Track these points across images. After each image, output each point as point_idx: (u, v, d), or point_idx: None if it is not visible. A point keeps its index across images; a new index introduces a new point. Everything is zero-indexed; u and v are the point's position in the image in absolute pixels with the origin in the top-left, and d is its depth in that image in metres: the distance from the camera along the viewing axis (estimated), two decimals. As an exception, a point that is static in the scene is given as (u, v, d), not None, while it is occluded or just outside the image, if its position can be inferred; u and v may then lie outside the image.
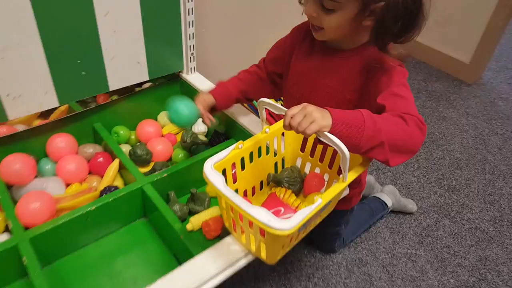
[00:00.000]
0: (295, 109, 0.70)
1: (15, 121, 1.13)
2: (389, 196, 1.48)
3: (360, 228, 1.40)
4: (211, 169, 0.71)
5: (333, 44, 0.90)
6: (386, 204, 1.45)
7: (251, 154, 0.83)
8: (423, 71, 2.52)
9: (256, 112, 1.51)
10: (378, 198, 1.47)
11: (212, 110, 1.04)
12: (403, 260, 1.37)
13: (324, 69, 0.91)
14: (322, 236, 1.30)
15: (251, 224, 0.68)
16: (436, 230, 1.50)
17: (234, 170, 0.82)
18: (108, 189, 1.00)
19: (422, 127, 0.75)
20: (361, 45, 0.87)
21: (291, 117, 0.69)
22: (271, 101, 0.78)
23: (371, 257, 1.36)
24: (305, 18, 0.90)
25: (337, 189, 0.72)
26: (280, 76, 1.06)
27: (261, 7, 1.66)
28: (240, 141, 0.79)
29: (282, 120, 0.86)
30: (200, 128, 1.26)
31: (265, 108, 0.80)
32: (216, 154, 0.75)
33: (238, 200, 0.64)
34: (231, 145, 1.10)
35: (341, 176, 0.73)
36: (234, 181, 0.82)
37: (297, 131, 0.69)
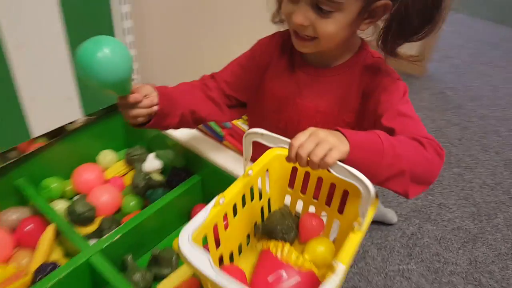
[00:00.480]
0: (302, 137, 0.54)
1: None
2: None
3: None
4: (190, 244, 0.51)
5: (317, 61, 0.76)
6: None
7: (234, 206, 0.64)
8: (373, 69, 2.52)
9: (214, 134, 1.31)
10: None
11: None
12: (398, 279, 1.25)
13: (313, 92, 0.76)
14: None
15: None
16: (421, 237, 1.41)
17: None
18: (44, 269, 0.76)
19: (441, 153, 0.64)
20: (351, 58, 0.74)
21: (300, 147, 0.53)
22: (264, 131, 0.59)
23: (364, 283, 1.23)
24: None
25: (356, 241, 0.55)
26: (238, 101, 0.87)
27: (204, 19, 1.47)
28: (220, 195, 0.60)
29: (264, 154, 0.69)
30: (153, 165, 1.03)
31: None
32: (192, 220, 0.55)
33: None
34: (195, 182, 0.94)
35: (355, 224, 0.56)
36: (218, 246, 0.63)
37: (311, 164, 0.54)
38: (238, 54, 0.87)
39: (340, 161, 0.53)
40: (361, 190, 0.53)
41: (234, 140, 1.24)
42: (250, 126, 0.95)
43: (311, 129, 0.55)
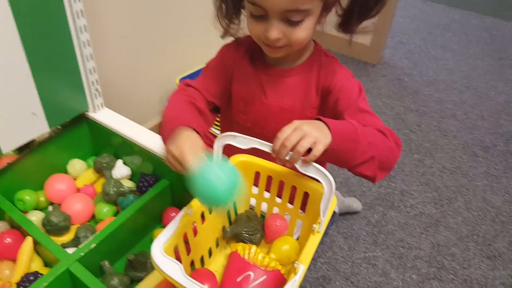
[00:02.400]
0: (287, 130, 0.61)
1: None
2: (335, 201, 1.45)
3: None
4: (163, 255, 0.57)
5: (278, 63, 0.83)
6: (334, 211, 1.41)
7: (202, 214, 0.71)
8: (329, 58, 2.57)
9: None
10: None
11: None
12: (364, 266, 1.35)
13: (277, 91, 0.83)
14: None
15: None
16: (386, 224, 1.50)
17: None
18: (27, 280, 0.81)
19: (398, 142, 0.75)
20: (308, 58, 0.83)
21: (285, 139, 0.61)
22: (237, 134, 0.68)
23: (333, 272, 1.32)
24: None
25: (315, 242, 0.64)
26: (216, 106, 0.93)
27: (164, 22, 1.51)
28: (187, 206, 0.66)
29: (229, 159, 0.76)
30: (122, 172, 1.09)
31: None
32: (162, 232, 0.62)
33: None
34: (164, 187, 1.00)
35: (315, 225, 0.65)
36: (188, 253, 0.70)
37: (294, 157, 0.61)
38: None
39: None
40: (324, 185, 0.62)
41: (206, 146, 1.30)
42: (222, 128, 1.02)
43: (296, 123, 0.62)
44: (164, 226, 0.80)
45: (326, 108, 0.82)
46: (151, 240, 0.72)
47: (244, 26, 0.82)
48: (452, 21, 3.11)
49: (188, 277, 0.55)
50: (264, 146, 0.66)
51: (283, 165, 0.66)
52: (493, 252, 1.44)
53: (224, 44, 0.91)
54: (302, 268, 0.58)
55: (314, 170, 0.63)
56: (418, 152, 1.85)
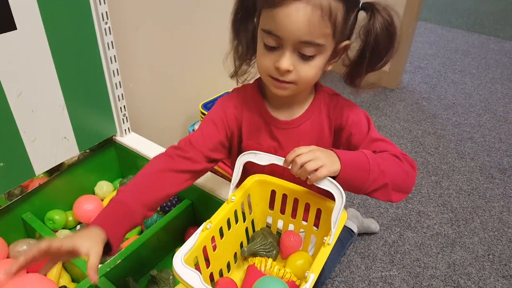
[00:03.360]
0: (303, 149, 0.67)
1: None
2: (353, 221, 1.47)
3: (334, 262, 1.37)
4: (183, 265, 0.62)
5: (282, 114, 0.85)
6: (352, 231, 1.43)
7: (221, 229, 0.76)
8: (348, 85, 2.61)
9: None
10: (344, 225, 1.44)
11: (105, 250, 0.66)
12: (380, 285, 1.36)
13: (291, 141, 0.84)
14: None
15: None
16: (402, 245, 1.51)
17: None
18: (56, 294, 0.86)
19: (414, 165, 0.78)
20: (313, 101, 0.85)
21: (297, 155, 0.67)
22: (257, 151, 0.74)
23: (349, 290, 1.33)
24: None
25: (325, 254, 0.67)
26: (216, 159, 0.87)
27: (188, 53, 1.59)
28: (208, 221, 0.71)
29: (244, 182, 0.81)
30: (146, 193, 1.15)
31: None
32: (184, 245, 0.66)
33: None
34: (186, 206, 1.05)
35: (326, 238, 0.68)
36: (208, 266, 0.74)
37: (301, 173, 0.67)
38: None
39: (330, 177, 0.67)
40: (335, 197, 0.66)
41: (223, 165, 1.36)
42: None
43: (311, 146, 0.68)
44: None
45: (340, 144, 0.84)
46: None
47: (251, 70, 0.85)
48: (471, 46, 3.14)
49: (206, 285, 0.59)
50: (280, 161, 0.71)
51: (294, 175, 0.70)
52: (509, 271, 1.42)
53: (222, 98, 0.89)
54: (312, 277, 0.61)
55: (327, 183, 0.67)
56: (435, 174, 1.86)
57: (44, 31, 0.89)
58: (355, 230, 1.45)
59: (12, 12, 0.82)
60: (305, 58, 0.70)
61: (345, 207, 1.55)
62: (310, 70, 0.72)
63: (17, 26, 0.84)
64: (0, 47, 0.84)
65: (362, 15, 0.73)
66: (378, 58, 0.75)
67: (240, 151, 0.86)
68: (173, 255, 0.63)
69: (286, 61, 0.70)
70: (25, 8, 0.85)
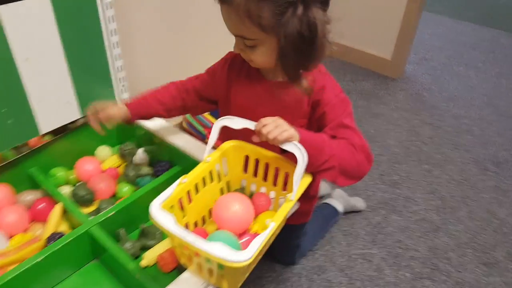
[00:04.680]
0: (267, 119, 0.80)
1: None
2: (338, 200, 1.58)
3: (316, 236, 1.49)
4: (159, 209, 0.75)
5: (269, 76, 0.97)
6: (337, 210, 1.55)
7: (196, 185, 0.89)
8: (349, 72, 2.69)
9: (197, 132, 1.56)
10: (329, 204, 1.56)
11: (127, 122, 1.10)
12: (359, 261, 1.47)
13: (270, 101, 0.97)
14: (283, 251, 1.38)
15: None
16: (386, 226, 1.62)
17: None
18: (54, 237, 1.01)
19: (369, 158, 0.89)
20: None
21: (263, 125, 0.79)
22: (233, 116, 0.86)
23: (329, 263, 1.45)
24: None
25: (286, 208, 0.79)
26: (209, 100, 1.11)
27: (189, 28, 1.71)
28: (184, 176, 0.84)
29: (221, 146, 0.94)
30: (141, 158, 1.29)
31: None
32: (162, 193, 0.79)
33: (192, 239, 0.69)
34: (176, 172, 1.18)
35: (288, 194, 0.80)
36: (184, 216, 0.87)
37: (267, 139, 0.79)
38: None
39: None
40: (297, 158, 0.78)
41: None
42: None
43: (276, 117, 0.81)
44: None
45: (314, 119, 0.95)
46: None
47: None
48: (480, 40, 3.17)
49: (178, 226, 0.72)
50: (252, 125, 0.84)
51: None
52: (490, 259, 1.51)
53: (213, 65, 1.08)
54: (272, 225, 0.73)
55: (291, 146, 0.79)
56: (427, 163, 1.94)
57: (50, 2, 1.03)
58: (340, 209, 1.56)
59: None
60: (249, 46, 0.84)
61: (333, 188, 1.67)
62: (257, 56, 0.86)
63: (25, -4, 0.98)
64: (9, 15, 0.98)
65: None
66: (291, 58, 0.81)
67: (227, 111, 1.01)
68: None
69: (235, 47, 0.88)
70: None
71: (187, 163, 1.15)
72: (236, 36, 0.85)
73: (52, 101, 1.15)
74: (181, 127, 1.73)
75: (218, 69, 1.05)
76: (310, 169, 0.84)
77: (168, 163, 1.24)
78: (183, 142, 1.20)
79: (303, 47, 0.79)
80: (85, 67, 1.19)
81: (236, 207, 0.88)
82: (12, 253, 0.98)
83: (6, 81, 1.03)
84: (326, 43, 0.80)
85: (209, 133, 1.52)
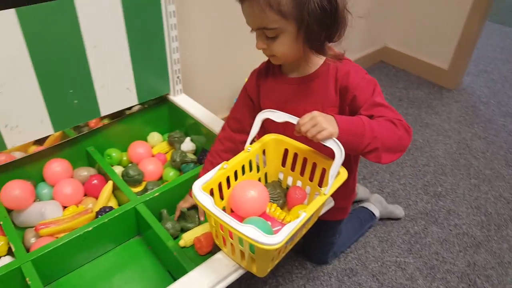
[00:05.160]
0: (305, 118, 0.85)
1: (12, 149, 1.24)
2: (376, 205, 1.60)
3: (350, 238, 1.51)
4: (200, 190, 0.82)
5: (293, 74, 1.02)
6: (373, 214, 1.57)
7: (235, 172, 0.95)
8: (403, 79, 2.66)
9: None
10: (366, 208, 1.58)
11: None
12: (393, 268, 1.48)
13: (298, 97, 1.02)
14: (316, 247, 1.41)
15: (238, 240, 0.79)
16: (424, 237, 1.60)
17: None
18: (104, 210, 1.11)
19: (409, 130, 0.93)
20: (321, 66, 0.99)
21: (302, 125, 0.84)
22: (275, 111, 0.92)
23: (361, 267, 1.47)
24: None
25: (320, 201, 0.83)
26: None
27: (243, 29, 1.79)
28: (225, 162, 0.91)
29: (262, 138, 1.00)
30: (188, 146, 1.38)
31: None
32: (203, 176, 0.87)
33: (227, 219, 0.75)
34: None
35: (322, 188, 0.85)
36: (222, 199, 0.94)
37: (307, 136, 0.84)
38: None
39: None
40: (335, 153, 0.82)
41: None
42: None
43: (313, 113, 0.85)
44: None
45: (345, 105, 0.99)
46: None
47: None
48: (548, 56, 3.03)
49: (216, 207, 0.78)
50: (294, 120, 0.89)
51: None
52: (534, 282, 1.47)
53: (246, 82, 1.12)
54: (304, 215, 0.78)
55: (330, 142, 0.83)
56: (476, 178, 1.90)
57: (120, -1, 1.15)
58: (377, 214, 1.58)
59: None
60: (270, 38, 0.89)
61: (373, 193, 1.69)
62: (280, 47, 0.90)
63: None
64: (83, 5, 1.09)
65: None
66: (318, 32, 0.86)
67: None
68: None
69: (258, 43, 0.91)
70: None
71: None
72: (257, 30, 0.89)
73: (114, 86, 1.26)
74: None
75: (250, 81, 1.10)
76: (354, 153, 0.89)
77: (213, 153, 1.32)
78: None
79: (326, 20, 0.84)
80: (145, 57, 1.29)
81: (252, 192, 0.92)
82: (65, 222, 1.09)
83: (76, 65, 1.15)
84: (347, 13, 0.85)
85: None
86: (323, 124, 0.84)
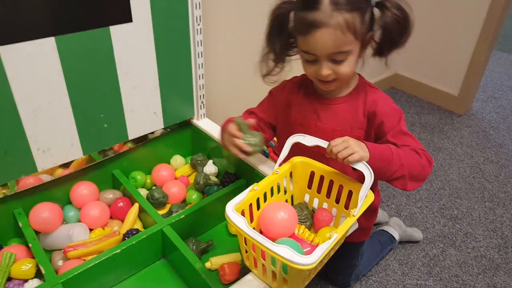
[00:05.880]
0: (337, 140, 0.88)
1: (40, 172, 1.27)
2: (395, 228, 1.60)
3: (371, 261, 1.51)
4: (233, 211, 0.83)
5: (327, 94, 1.05)
6: (393, 237, 1.57)
7: (265, 194, 0.97)
8: (415, 105, 2.71)
9: (263, 152, 1.65)
10: (386, 231, 1.59)
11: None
12: (413, 291, 1.48)
13: (329, 116, 1.05)
14: (340, 270, 1.42)
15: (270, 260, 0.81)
16: (443, 260, 1.61)
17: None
18: (131, 232, 1.12)
19: (431, 160, 0.97)
20: (354, 88, 1.04)
21: (333, 146, 0.87)
22: (306, 135, 0.94)
23: (382, 290, 1.47)
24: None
25: (349, 223, 0.84)
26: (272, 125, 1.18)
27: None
28: (255, 184, 0.93)
29: (290, 160, 1.02)
30: (211, 169, 1.40)
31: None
32: (235, 197, 0.88)
33: (261, 239, 0.77)
34: (241, 184, 1.27)
35: (352, 210, 0.86)
36: (251, 221, 0.95)
37: (338, 158, 0.87)
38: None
39: None
40: (365, 176, 0.84)
41: (276, 156, 1.58)
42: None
43: (345, 137, 0.88)
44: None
45: (372, 129, 1.02)
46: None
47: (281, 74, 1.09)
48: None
49: (250, 227, 0.80)
50: (324, 144, 0.91)
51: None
52: (553, 305, 1.47)
53: (273, 88, 1.17)
54: (335, 236, 0.79)
55: (360, 165, 0.86)
56: (491, 201, 1.91)
57: (152, 25, 1.18)
58: (397, 237, 1.58)
59: (131, 7, 1.12)
60: (339, 62, 0.92)
61: (391, 216, 1.70)
62: (345, 68, 0.93)
63: (133, 19, 1.14)
64: (118, 34, 1.13)
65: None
66: (394, 40, 0.93)
67: (288, 128, 1.10)
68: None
69: (325, 70, 0.92)
70: (140, 4, 1.14)
71: (253, 176, 1.24)
72: (329, 56, 0.91)
73: (142, 111, 1.29)
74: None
75: (279, 90, 1.15)
76: (383, 179, 0.93)
77: (235, 175, 1.34)
78: (250, 157, 1.28)
79: (401, 29, 0.90)
80: (172, 83, 1.33)
81: (282, 214, 0.92)
82: (92, 244, 1.09)
83: (108, 91, 1.19)
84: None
85: (272, 152, 1.65)
86: (355, 147, 0.86)
